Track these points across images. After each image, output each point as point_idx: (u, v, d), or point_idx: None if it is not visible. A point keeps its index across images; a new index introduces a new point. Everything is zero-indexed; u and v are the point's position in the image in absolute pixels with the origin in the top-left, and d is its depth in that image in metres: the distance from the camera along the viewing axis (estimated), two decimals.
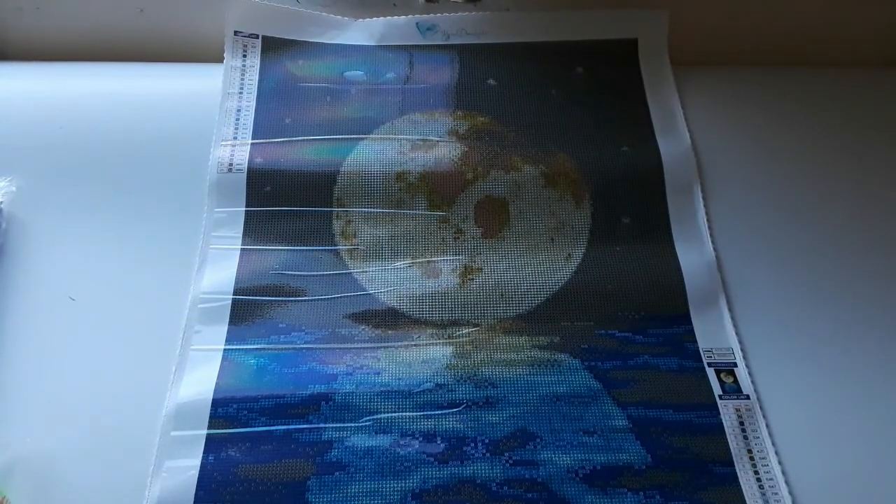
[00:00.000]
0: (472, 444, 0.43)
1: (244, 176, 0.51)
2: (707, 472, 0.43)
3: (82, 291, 0.47)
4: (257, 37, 0.56)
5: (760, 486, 0.42)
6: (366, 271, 0.49)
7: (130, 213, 0.50)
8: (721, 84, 0.59)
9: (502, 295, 0.49)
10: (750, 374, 0.46)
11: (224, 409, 0.43)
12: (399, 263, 0.50)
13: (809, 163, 0.55)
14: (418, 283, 0.49)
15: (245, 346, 0.46)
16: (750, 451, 0.44)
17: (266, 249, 0.49)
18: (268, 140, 0.52)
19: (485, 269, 0.50)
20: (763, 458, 0.43)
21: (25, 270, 0.48)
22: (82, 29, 0.58)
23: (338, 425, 0.43)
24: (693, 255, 0.51)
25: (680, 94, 0.57)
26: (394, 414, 0.44)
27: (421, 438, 0.43)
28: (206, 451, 0.42)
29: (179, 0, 0.57)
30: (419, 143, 0.53)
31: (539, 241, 0.51)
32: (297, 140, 0.53)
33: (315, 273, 0.49)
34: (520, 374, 0.46)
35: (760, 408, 0.45)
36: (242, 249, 0.49)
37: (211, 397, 0.43)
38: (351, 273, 0.49)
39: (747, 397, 0.45)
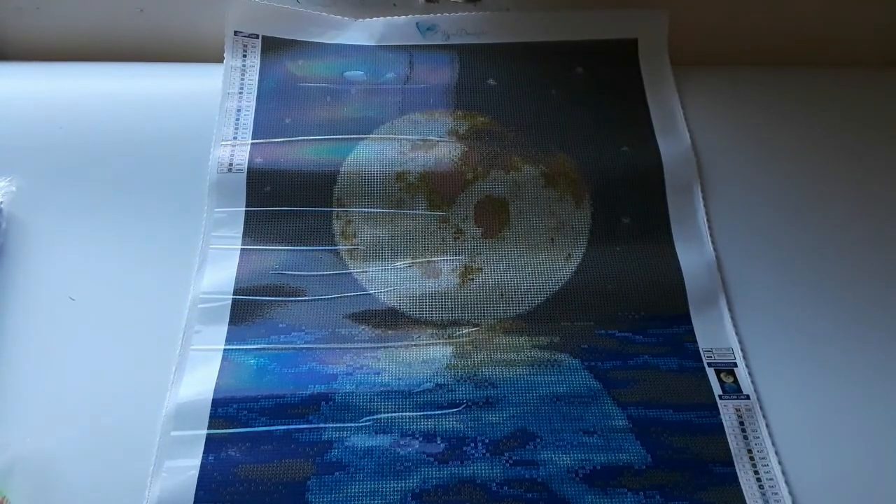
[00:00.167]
0: (472, 444, 0.43)
1: (244, 176, 0.51)
2: (707, 472, 0.43)
3: (82, 291, 0.47)
4: (257, 37, 0.56)
5: (760, 486, 0.42)
6: (366, 271, 0.49)
7: (130, 213, 0.50)
8: (721, 84, 0.59)
9: (502, 295, 0.49)
10: (750, 374, 0.46)
11: (224, 409, 0.43)
12: (399, 263, 0.50)
13: (809, 163, 0.55)
14: (418, 283, 0.49)
15: (245, 346, 0.46)
16: (750, 451, 0.44)
17: (266, 249, 0.49)
18: (268, 140, 0.52)
19: (485, 269, 0.50)
20: (763, 458, 0.43)
21: (25, 270, 0.48)
22: (82, 29, 0.58)
23: (338, 425, 0.43)
24: (693, 255, 0.51)
25: (680, 94, 0.57)
26: (394, 414, 0.44)
27: (421, 438, 0.43)
28: (206, 451, 0.42)
29: (179, 0, 0.57)
30: (419, 143, 0.53)
31: (539, 241, 0.51)
32: (297, 140, 0.53)
33: (315, 273, 0.49)
34: (520, 374, 0.46)
35: (760, 408, 0.45)
36: (242, 249, 0.49)
37: (211, 397, 0.43)
38: (351, 273, 0.49)
39: (747, 397, 0.45)
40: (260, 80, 0.55)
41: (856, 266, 0.51)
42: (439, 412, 0.44)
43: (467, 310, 0.48)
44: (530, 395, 0.45)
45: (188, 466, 0.41)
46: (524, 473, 0.42)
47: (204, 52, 0.57)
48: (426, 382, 0.45)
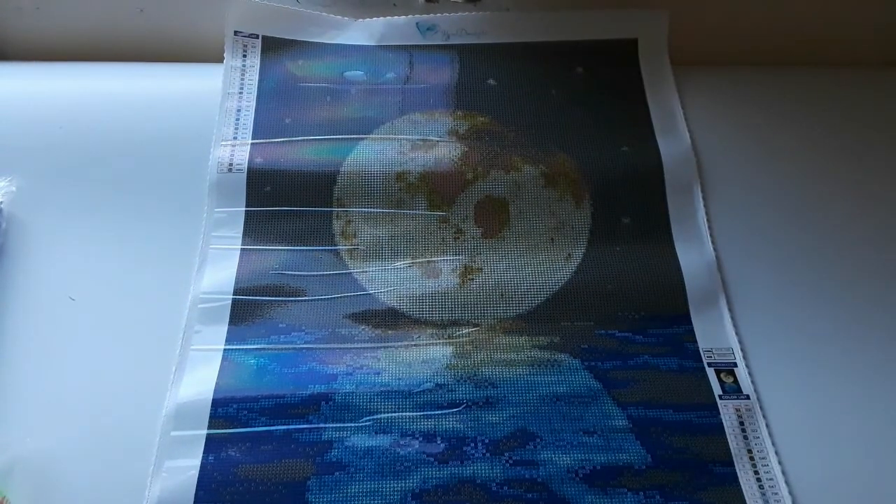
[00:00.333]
0: (472, 444, 0.43)
1: (244, 176, 0.51)
2: (707, 472, 0.43)
3: (82, 291, 0.47)
4: (257, 37, 0.56)
5: (760, 486, 0.42)
6: (366, 271, 0.49)
7: (130, 213, 0.50)
8: (721, 84, 0.59)
9: (502, 295, 0.49)
10: (750, 374, 0.46)
11: (224, 409, 0.43)
12: (399, 263, 0.50)
13: (809, 163, 0.55)
14: (418, 283, 0.49)
15: (245, 346, 0.46)
16: (750, 451, 0.44)
17: (266, 249, 0.49)
18: (268, 140, 0.52)
19: (485, 269, 0.50)
20: (763, 458, 0.43)
21: (25, 270, 0.48)
22: (82, 29, 0.58)
23: (338, 425, 0.43)
24: (693, 255, 0.51)
25: (680, 94, 0.57)
26: (394, 414, 0.44)
27: (421, 438, 0.43)
28: (206, 451, 0.42)
29: (179, 0, 0.57)
30: (419, 143, 0.53)
31: (539, 241, 0.51)
32: (297, 140, 0.53)
33: (315, 273, 0.49)
34: (520, 374, 0.46)
35: (760, 408, 0.45)
36: (242, 249, 0.49)
37: (211, 397, 0.43)
38: (351, 273, 0.49)
39: (747, 397, 0.45)
40: (260, 80, 0.55)
41: (856, 266, 0.51)
42: (439, 412, 0.44)
43: (467, 310, 0.48)
44: (530, 395, 0.45)
45: (188, 466, 0.41)
46: (524, 473, 0.42)
47: (204, 52, 0.57)
48: (426, 382, 0.45)
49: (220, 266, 0.48)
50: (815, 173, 0.55)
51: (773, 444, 0.44)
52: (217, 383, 0.44)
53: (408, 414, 0.44)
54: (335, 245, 0.50)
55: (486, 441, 0.43)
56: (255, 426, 0.43)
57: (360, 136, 0.53)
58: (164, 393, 0.44)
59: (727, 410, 0.45)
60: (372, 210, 0.51)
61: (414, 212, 0.51)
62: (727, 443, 0.44)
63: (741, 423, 0.45)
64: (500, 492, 0.41)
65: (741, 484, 0.42)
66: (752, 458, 0.43)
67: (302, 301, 0.48)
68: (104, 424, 0.43)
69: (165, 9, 0.58)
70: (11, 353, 0.45)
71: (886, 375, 0.47)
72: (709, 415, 0.45)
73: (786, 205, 0.53)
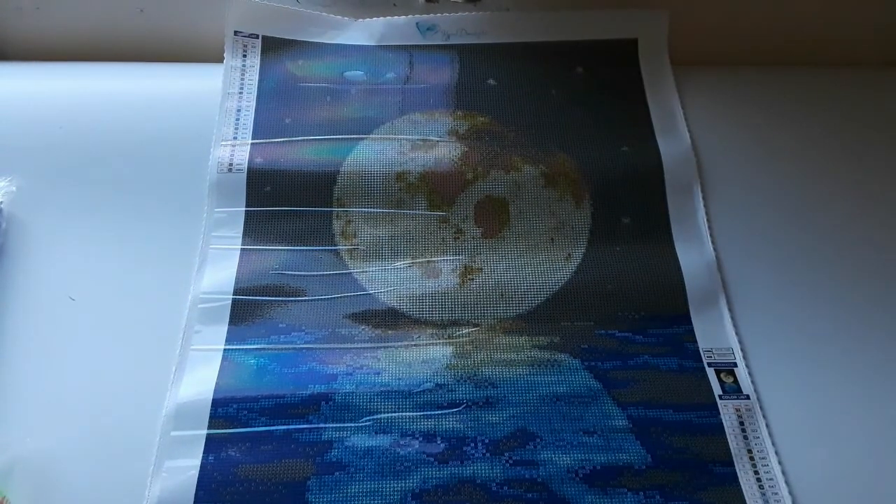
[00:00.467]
0: (472, 444, 0.43)
1: (244, 176, 0.51)
2: (707, 472, 0.43)
3: (82, 291, 0.47)
4: (257, 37, 0.56)
5: (760, 486, 0.42)
6: (366, 271, 0.49)
7: (130, 213, 0.50)
8: (721, 84, 0.59)
9: (502, 295, 0.49)
10: (750, 374, 0.46)
11: (224, 409, 0.43)
12: (399, 263, 0.50)
13: (809, 163, 0.55)
14: (418, 283, 0.49)
15: (245, 346, 0.46)
16: (750, 451, 0.44)
17: (266, 249, 0.49)
18: (268, 140, 0.52)
19: (485, 269, 0.50)
20: (763, 458, 0.43)
21: (25, 270, 0.48)
22: (82, 29, 0.58)
23: (338, 425, 0.43)
24: (693, 255, 0.51)
25: (680, 94, 0.57)
26: (394, 414, 0.44)
27: (421, 438, 0.43)
28: (206, 451, 0.42)
29: (179, 0, 0.57)
30: (419, 143, 0.53)
31: (539, 241, 0.51)
32: (297, 140, 0.53)
33: (315, 273, 0.49)
34: (520, 374, 0.46)
35: (760, 408, 0.45)
36: (242, 249, 0.49)
37: (211, 397, 0.43)
38: (351, 273, 0.49)
39: (747, 397, 0.45)
40: (260, 80, 0.55)
41: (856, 266, 0.51)
42: (439, 412, 0.44)
43: (467, 310, 0.48)
44: (530, 395, 0.45)
45: (188, 466, 0.41)
46: (524, 473, 0.42)
47: (204, 52, 0.57)
48: (426, 382, 0.45)
49: (220, 266, 0.48)
50: (815, 173, 0.55)
51: (773, 444, 0.44)
52: (217, 383, 0.44)
53: (408, 414, 0.44)
54: (335, 245, 0.50)
55: (486, 441, 0.43)
56: (255, 426, 0.43)
57: (360, 136, 0.53)
58: (164, 393, 0.44)
59: (727, 410, 0.45)
60: (372, 210, 0.51)
61: (414, 212, 0.51)
62: (727, 443, 0.44)
63: (741, 423, 0.45)
64: (500, 492, 0.41)
65: (741, 484, 0.42)
66: (752, 458, 0.43)
67: (302, 301, 0.48)
68: (104, 424, 0.43)
69: (165, 9, 0.58)
70: (11, 353, 0.45)
71: (886, 375, 0.47)
72: (709, 415, 0.45)
73: (786, 205, 0.53)
